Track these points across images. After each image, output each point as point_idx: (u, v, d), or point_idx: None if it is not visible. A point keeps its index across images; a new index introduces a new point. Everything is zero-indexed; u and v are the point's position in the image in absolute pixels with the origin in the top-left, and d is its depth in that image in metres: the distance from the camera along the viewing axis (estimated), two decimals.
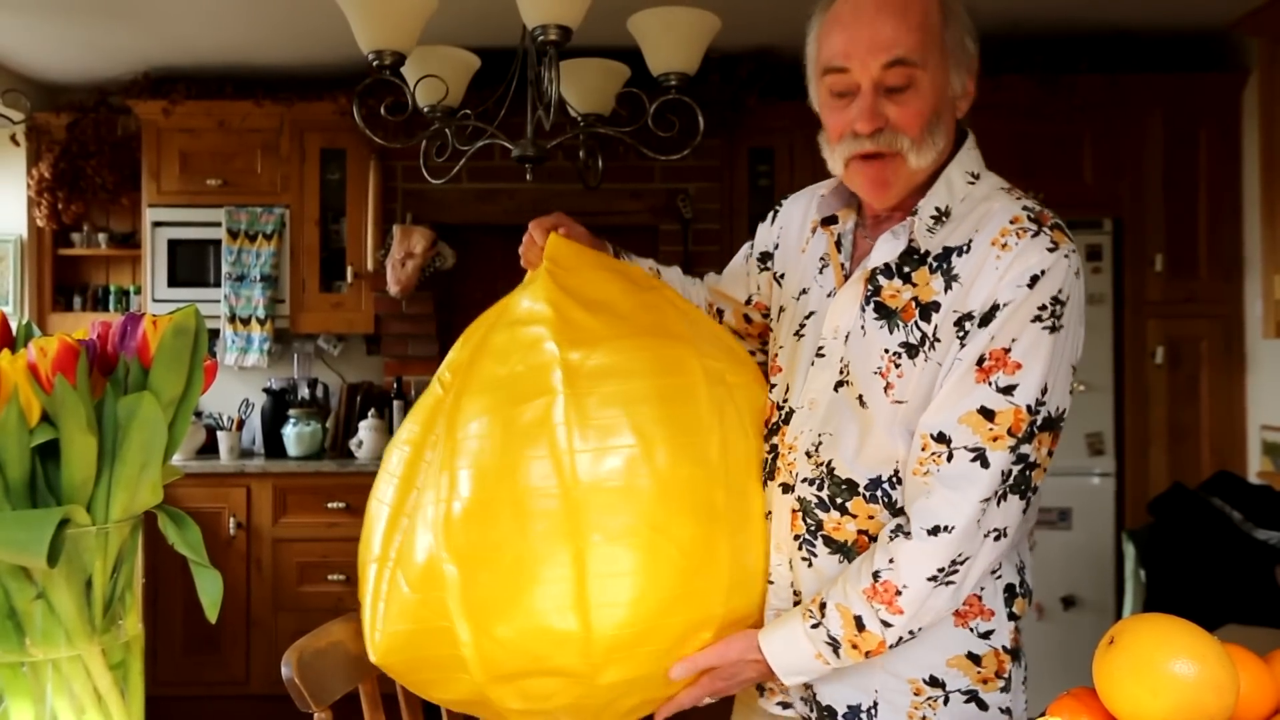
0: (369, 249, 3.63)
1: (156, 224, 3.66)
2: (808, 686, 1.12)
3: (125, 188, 3.78)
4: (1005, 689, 1.07)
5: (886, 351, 1.05)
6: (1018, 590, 1.10)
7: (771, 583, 1.13)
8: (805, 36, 1.11)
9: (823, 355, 1.10)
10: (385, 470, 1.10)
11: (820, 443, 1.08)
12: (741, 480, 1.08)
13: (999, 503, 1.00)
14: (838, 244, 1.14)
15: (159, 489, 0.76)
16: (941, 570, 0.99)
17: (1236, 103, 3.35)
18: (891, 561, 1.00)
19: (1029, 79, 3.33)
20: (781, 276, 1.22)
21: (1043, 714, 0.77)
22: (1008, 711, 1.07)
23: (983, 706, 1.06)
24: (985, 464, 0.99)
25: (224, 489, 3.42)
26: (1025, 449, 1.00)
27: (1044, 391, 0.99)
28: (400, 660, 1.05)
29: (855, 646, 1.02)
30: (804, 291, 1.17)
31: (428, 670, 1.04)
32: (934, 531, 0.99)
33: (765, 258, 1.27)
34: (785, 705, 1.17)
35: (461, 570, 0.96)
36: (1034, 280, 0.98)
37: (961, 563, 1.00)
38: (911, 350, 1.03)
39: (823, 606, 1.03)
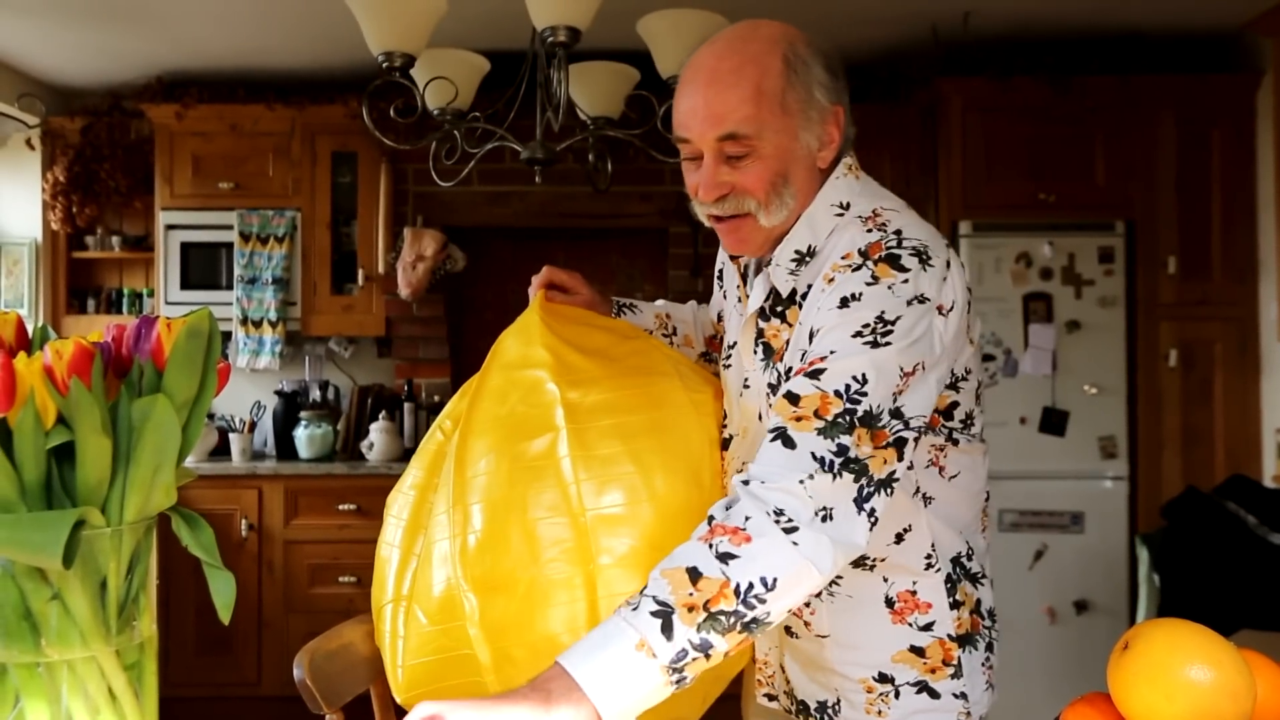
0: (380, 252, 3.65)
1: (169, 227, 3.68)
2: (789, 681, 1.15)
3: (138, 191, 3.81)
4: (956, 675, 1.07)
5: (767, 389, 1.08)
6: (962, 579, 1.09)
7: None
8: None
9: (749, 386, 1.13)
10: (390, 515, 1.17)
11: (743, 470, 1.08)
12: None
13: (810, 479, 0.89)
14: (743, 276, 1.18)
15: (173, 491, 0.77)
16: (772, 514, 0.87)
17: (1250, 104, 3.33)
18: (710, 519, 0.90)
19: (1039, 80, 3.32)
20: (726, 296, 1.27)
21: (1056, 719, 0.77)
22: (963, 696, 1.07)
23: (934, 695, 1.07)
24: (788, 443, 0.91)
25: (236, 491, 3.44)
26: (840, 438, 0.90)
27: (860, 381, 0.92)
28: (424, 693, 1.08)
29: (691, 608, 0.82)
30: (727, 318, 1.24)
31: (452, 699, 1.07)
32: (746, 482, 0.91)
33: (720, 275, 1.31)
34: (771, 698, 1.20)
35: (480, 598, 1.02)
36: (844, 302, 0.96)
37: (790, 518, 0.88)
38: (774, 389, 1.06)
39: (641, 591, 0.85)
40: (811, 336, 0.98)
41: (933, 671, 1.07)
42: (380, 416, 3.64)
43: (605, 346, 1.19)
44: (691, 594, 0.83)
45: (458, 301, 3.93)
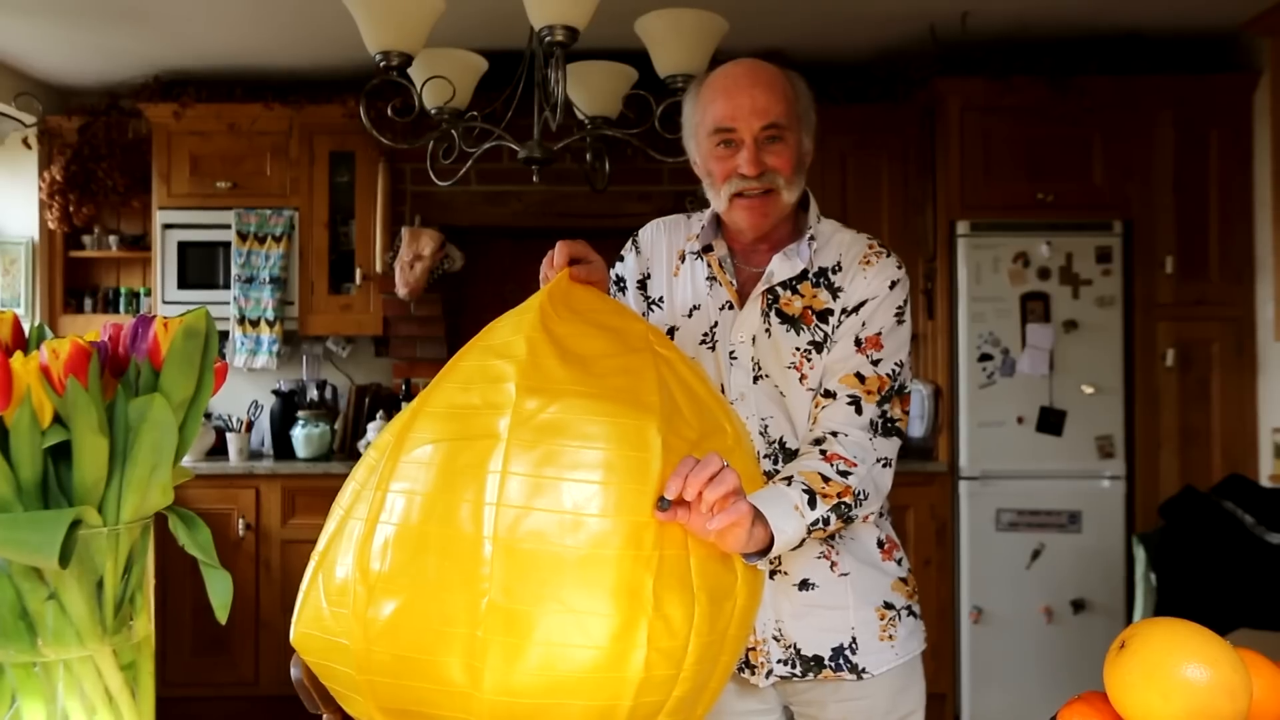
0: (377, 251, 3.64)
1: (166, 226, 3.68)
2: (788, 648, 1.32)
3: (136, 190, 3.80)
4: (919, 601, 1.43)
5: (797, 350, 1.33)
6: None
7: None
8: (689, 103, 1.38)
9: (735, 358, 1.35)
10: (351, 477, 1.07)
11: (767, 425, 1.34)
12: (675, 574, 0.96)
13: (874, 438, 1.29)
14: (720, 266, 1.39)
15: (169, 490, 0.77)
16: (856, 457, 1.25)
17: (1248, 104, 3.33)
18: (824, 450, 1.26)
19: (1038, 80, 3.32)
20: (660, 300, 1.43)
21: (1053, 719, 0.77)
22: (921, 616, 1.42)
23: (916, 616, 1.40)
24: (859, 411, 1.29)
25: (233, 490, 3.43)
26: (886, 406, 1.31)
27: (900, 366, 1.32)
28: (312, 663, 1.03)
29: (825, 495, 1.20)
30: (696, 308, 1.39)
31: (332, 682, 1.02)
32: (834, 434, 1.29)
33: (642, 284, 1.47)
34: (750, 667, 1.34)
35: (367, 594, 0.93)
36: (893, 284, 1.32)
37: (863, 460, 1.26)
38: (818, 347, 1.33)
39: (789, 479, 1.21)
40: (864, 302, 1.31)
41: (911, 597, 1.40)
42: (378, 416, 3.64)
43: (597, 355, 1.04)
44: (824, 488, 1.19)
45: (455, 301, 3.93)
